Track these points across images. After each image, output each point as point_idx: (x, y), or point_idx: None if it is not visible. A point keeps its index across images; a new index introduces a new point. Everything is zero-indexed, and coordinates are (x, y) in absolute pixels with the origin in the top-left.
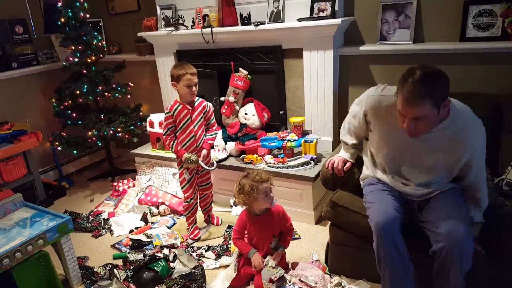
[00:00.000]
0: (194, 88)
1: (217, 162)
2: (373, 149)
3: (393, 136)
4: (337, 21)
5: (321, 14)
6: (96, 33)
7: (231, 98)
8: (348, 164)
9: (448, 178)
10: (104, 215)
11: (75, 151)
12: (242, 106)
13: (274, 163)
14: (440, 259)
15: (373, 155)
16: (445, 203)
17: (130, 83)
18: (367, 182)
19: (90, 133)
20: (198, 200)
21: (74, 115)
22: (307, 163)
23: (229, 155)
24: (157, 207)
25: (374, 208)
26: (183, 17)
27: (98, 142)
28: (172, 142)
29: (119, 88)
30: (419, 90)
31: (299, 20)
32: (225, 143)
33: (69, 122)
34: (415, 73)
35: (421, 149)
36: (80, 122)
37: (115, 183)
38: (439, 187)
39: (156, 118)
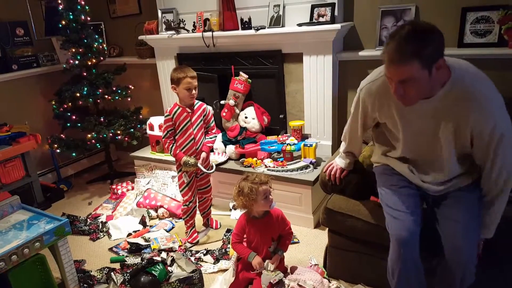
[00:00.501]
0: (194, 91)
1: (216, 165)
2: (391, 140)
3: (401, 117)
4: (337, 26)
5: (321, 19)
6: (97, 36)
7: (231, 102)
8: (345, 172)
9: (465, 168)
10: (102, 218)
11: (74, 154)
12: (242, 109)
13: (274, 167)
14: (443, 271)
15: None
16: (459, 206)
17: (130, 86)
18: (380, 170)
19: (89, 135)
20: (197, 204)
21: (74, 117)
22: (306, 167)
23: (229, 159)
24: (156, 210)
25: (394, 220)
26: (184, 21)
27: (98, 144)
28: (171, 145)
29: (119, 91)
30: (404, 47)
31: (299, 25)
32: (225, 146)
33: (68, 124)
34: (403, 28)
35: (432, 125)
36: (79, 124)
37: (114, 186)
38: (457, 184)
39: (156, 121)
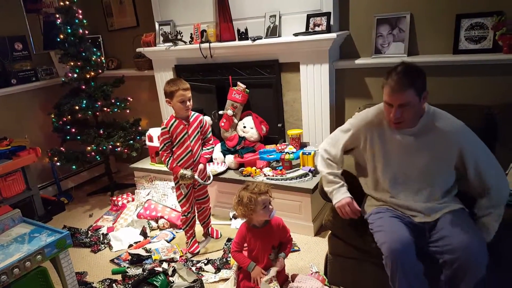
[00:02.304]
0: (188, 103)
1: (216, 175)
2: (370, 170)
3: (387, 146)
4: (333, 35)
5: (317, 28)
6: (95, 49)
7: (230, 112)
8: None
9: (451, 183)
10: (103, 230)
11: (74, 166)
12: (240, 119)
13: (273, 176)
14: (452, 269)
15: (372, 179)
16: (456, 220)
17: (129, 98)
18: (374, 211)
19: (89, 148)
20: (196, 214)
21: (73, 130)
22: (305, 175)
23: (228, 168)
24: (156, 221)
25: (385, 234)
26: (181, 32)
27: (97, 156)
28: (168, 159)
29: (118, 103)
30: (403, 79)
31: (295, 34)
32: (224, 156)
33: (68, 137)
34: (397, 67)
35: (413, 149)
36: (79, 137)
37: (114, 198)
38: (448, 205)
39: (155, 132)
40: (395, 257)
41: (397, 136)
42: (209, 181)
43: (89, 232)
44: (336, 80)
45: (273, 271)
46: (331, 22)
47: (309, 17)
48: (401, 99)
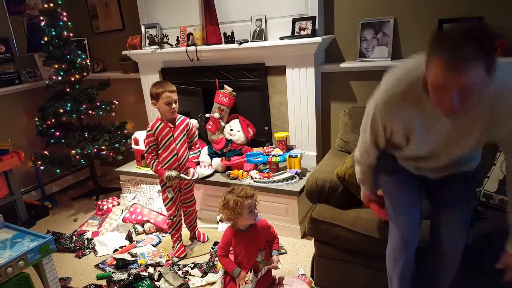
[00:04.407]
0: (174, 105)
1: (203, 178)
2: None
3: (429, 129)
4: (318, 39)
5: (302, 32)
6: (80, 52)
7: (216, 115)
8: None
9: (470, 155)
10: (88, 235)
11: (58, 170)
12: (227, 122)
13: (260, 178)
14: (434, 259)
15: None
16: (455, 194)
17: (114, 101)
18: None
19: (73, 151)
20: (183, 217)
21: (58, 133)
22: (292, 177)
23: (215, 171)
24: (142, 225)
25: (400, 219)
26: (168, 35)
27: (82, 160)
28: (152, 162)
29: (103, 106)
30: (466, 49)
31: (281, 38)
32: (211, 159)
33: (52, 141)
34: (454, 29)
35: (466, 131)
36: (63, 140)
37: (100, 202)
38: (458, 169)
39: (141, 135)
40: (406, 245)
41: (446, 119)
42: (195, 177)
43: (74, 237)
44: (321, 84)
45: (251, 276)
46: (317, 26)
47: (294, 21)
48: (464, 78)
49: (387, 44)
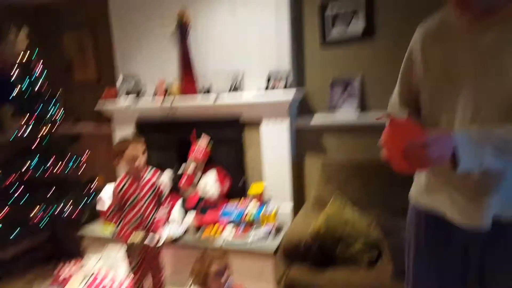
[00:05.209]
0: (140, 159)
1: (174, 238)
2: (426, 104)
3: (452, 55)
4: (291, 94)
5: (277, 86)
6: (52, 104)
7: (190, 169)
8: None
9: None
10: None
11: (14, 233)
12: (202, 175)
13: (233, 238)
14: None
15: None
16: None
17: (85, 155)
18: (411, 214)
19: (35, 210)
20: (150, 284)
21: (19, 191)
22: (267, 234)
23: (187, 229)
24: None
25: None
26: (145, 87)
27: (43, 221)
28: (117, 223)
29: (72, 161)
30: None
31: (256, 92)
32: (183, 216)
33: (12, 199)
34: None
35: (494, 55)
36: (24, 199)
37: (59, 269)
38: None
39: (109, 192)
40: None
41: (467, 36)
42: (160, 243)
43: None
44: (296, 136)
45: None
46: (290, 82)
47: (269, 76)
48: None
49: (355, 99)
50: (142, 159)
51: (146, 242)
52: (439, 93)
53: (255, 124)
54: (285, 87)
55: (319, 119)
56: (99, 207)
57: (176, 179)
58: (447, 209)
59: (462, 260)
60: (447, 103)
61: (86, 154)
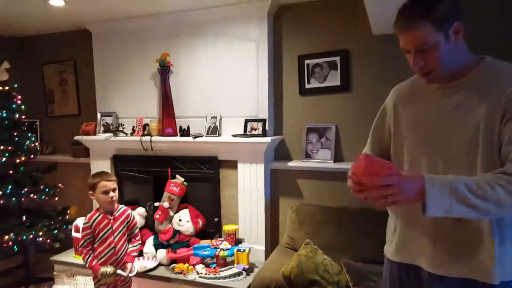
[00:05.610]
0: (112, 194)
1: (145, 271)
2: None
3: (421, 117)
4: (267, 139)
5: (254, 132)
6: (30, 134)
7: (166, 204)
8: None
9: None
10: None
11: None
12: (176, 212)
13: (206, 273)
14: None
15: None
16: None
17: (60, 185)
18: (386, 265)
19: (7, 237)
20: None
21: None
22: (239, 273)
23: (159, 264)
24: None
25: None
26: (123, 124)
27: (15, 247)
28: (87, 256)
29: (47, 190)
30: (414, 10)
31: (234, 136)
32: (156, 251)
33: None
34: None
35: (458, 115)
36: None
37: None
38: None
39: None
40: None
41: (433, 96)
42: (133, 273)
43: None
44: (271, 179)
45: None
46: (267, 128)
47: (247, 121)
48: (415, 38)
49: (330, 147)
50: (113, 195)
51: (118, 272)
52: (409, 150)
53: (232, 165)
54: (263, 133)
55: (294, 164)
56: (74, 234)
57: (150, 214)
58: (418, 258)
59: None
60: (416, 160)
61: (60, 185)
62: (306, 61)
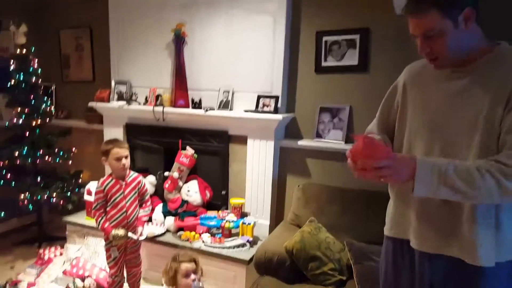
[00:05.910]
0: (124, 161)
1: (153, 237)
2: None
3: (428, 100)
4: (279, 116)
5: (266, 108)
6: (45, 98)
7: (175, 174)
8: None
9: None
10: (23, 285)
11: (3, 214)
12: (185, 182)
13: (211, 242)
14: None
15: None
16: None
17: (73, 149)
18: (384, 243)
19: (22, 196)
20: (126, 277)
21: (9, 175)
22: (243, 244)
23: (167, 231)
24: (83, 280)
25: None
26: (137, 93)
27: (30, 206)
28: (100, 219)
29: (61, 153)
30: None
31: (246, 111)
32: (164, 218)
33: (1, 182)
34: None
35: (463, 99)
36: (13, 183)
37: (41, 251)
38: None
39: (95, 186)
40: None
41: (441, 79)
42: (143, 237)
43: (7, 285)
44: (279, 157)
45: None
46: (279, 105)
47: (259, 97)
48: (422, 25)
49: (342, 128)
50: (125, 162)
51: (128, 235)
52: (410, 131)
53: (242, 140)
54: (274, 110)
55: (304, 143)
56: (86, 197)
57: (160, 183)
58: (408, 234)
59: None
60: (415, 142)
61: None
62: (325, 38)
